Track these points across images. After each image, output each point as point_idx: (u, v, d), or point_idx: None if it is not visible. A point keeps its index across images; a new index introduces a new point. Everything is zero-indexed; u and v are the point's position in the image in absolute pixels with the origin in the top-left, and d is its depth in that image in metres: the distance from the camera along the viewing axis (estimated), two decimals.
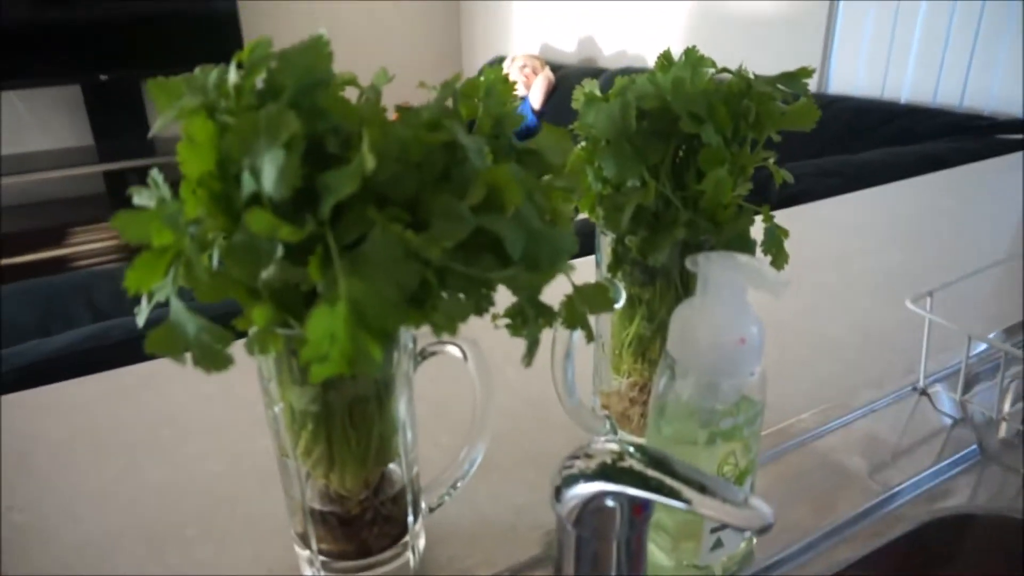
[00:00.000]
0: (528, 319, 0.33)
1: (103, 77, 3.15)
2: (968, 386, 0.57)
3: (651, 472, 0.29)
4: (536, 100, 2.99)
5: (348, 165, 0.27)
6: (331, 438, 0.34)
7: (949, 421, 0.54)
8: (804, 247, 0.86)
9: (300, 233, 0.27)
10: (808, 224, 0.96)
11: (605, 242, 0.44)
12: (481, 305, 0.32)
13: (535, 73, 3.07)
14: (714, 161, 0.38)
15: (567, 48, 3.23)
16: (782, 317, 0.69)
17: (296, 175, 0.26)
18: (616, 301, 0.44)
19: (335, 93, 0.30)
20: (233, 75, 0.28)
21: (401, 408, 0.37)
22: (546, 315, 0.33)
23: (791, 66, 0.40)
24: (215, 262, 0.29)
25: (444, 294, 0.30)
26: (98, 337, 0.80)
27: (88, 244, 3.08)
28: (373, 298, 0.27)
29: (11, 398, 0.58)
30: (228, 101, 0.29)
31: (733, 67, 0.41)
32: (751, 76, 0.40)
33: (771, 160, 0.42)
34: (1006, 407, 0.56)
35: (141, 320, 0.30)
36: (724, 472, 0.36)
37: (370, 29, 3.65)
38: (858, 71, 2.14)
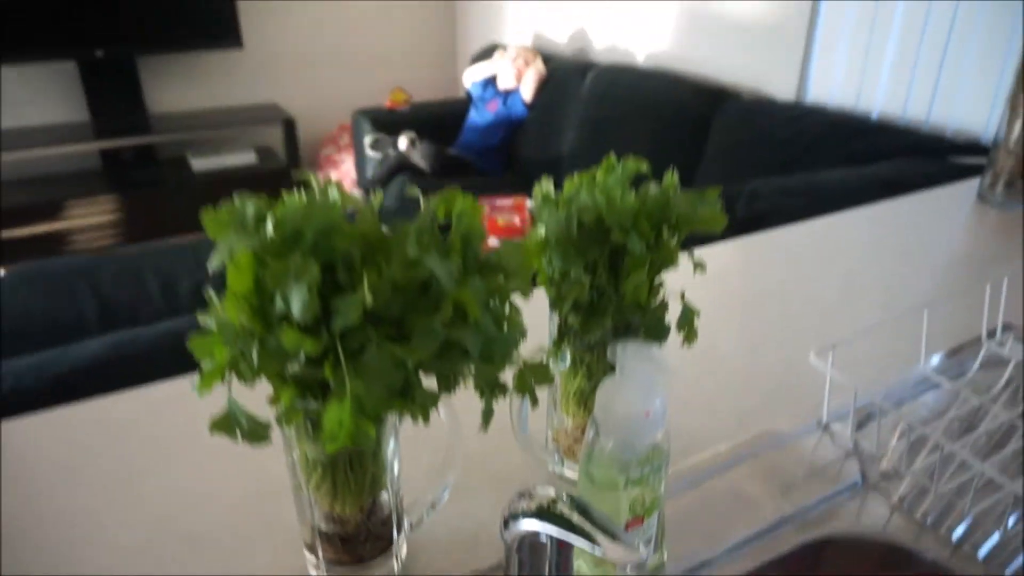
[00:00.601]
0: (484, 395, 0.43)
1: (99, 53, 3.20)
2: (864, 424, 0.68)
3: (574, 517, 0.40)
4: (527, 92, 3.07)
5: (353, 295, 0.38)
6: (335, 479, 0.45)
7: (843, 454, 0.65)
8: (751, 280, 0.97)
9: (319, 347, 0.37)
10: (758, 254, 1.07)
11: (555, 314, 0.55)
12: (451, 387, 0.43)
13: (527, 64, 3.14)
14: (636, 265, 0.48)
15: (559, 40, 3.29)
16: (720, 352, 0.80)
17: (315, 306, 0.37)
18: (562, 363, 0.54)
19: (342, 232, 0.40)
20: (270, 229, 0.38)
21: (389, 452, 0.47)
22: (501, 390, 0.44)
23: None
24: (254, 358, 0.39)
25: (423, 375, 0.41)
26: (121, 347, 0.90)
27: (85, 219, 3.16)
28: (370, 394, 0.37)
29: (51, 415, 0.69)
30: (262, 236, 0.39)
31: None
32: (672, 191, 0.50)
33: (691, 253, 0.53)
34: (892, 442, 0.67)
35: (201, 394, 0.40)
36: (635, 508, 0.47)
37: (367, 18, 3.70)
38: (835, 78, 2.24)
